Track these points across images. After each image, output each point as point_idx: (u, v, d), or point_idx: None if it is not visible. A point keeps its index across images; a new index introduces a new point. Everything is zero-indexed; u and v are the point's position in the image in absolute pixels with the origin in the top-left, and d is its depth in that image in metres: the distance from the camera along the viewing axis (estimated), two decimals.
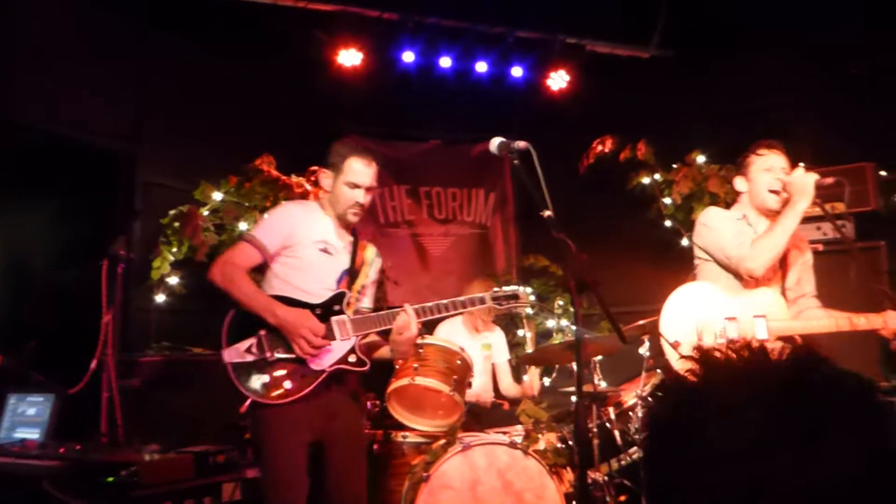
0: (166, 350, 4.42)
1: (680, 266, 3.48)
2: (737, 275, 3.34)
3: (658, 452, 0.87)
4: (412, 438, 4.14)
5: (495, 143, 2.76)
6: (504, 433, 4.03)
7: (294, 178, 5.09)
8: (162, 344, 4.53)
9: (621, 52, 6.20)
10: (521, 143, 2.72)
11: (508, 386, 5.31)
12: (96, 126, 4.70)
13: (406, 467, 3.96)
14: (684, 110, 6.09)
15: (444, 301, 3.12)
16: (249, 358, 2.90)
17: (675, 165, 5.45)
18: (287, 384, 2.92)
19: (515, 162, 2.73)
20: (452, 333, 5.05)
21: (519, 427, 4.17)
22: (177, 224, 4.63)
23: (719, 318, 3.29)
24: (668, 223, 5.47)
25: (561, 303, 6.20)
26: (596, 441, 4.09)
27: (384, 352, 3.23)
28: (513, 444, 3.77)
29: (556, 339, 5.96)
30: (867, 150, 4.90)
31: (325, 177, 3.21)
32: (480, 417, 4.79)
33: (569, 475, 3.97)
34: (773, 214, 3.38)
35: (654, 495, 0.85)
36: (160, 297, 4.68)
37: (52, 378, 3.24)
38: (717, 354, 0.88)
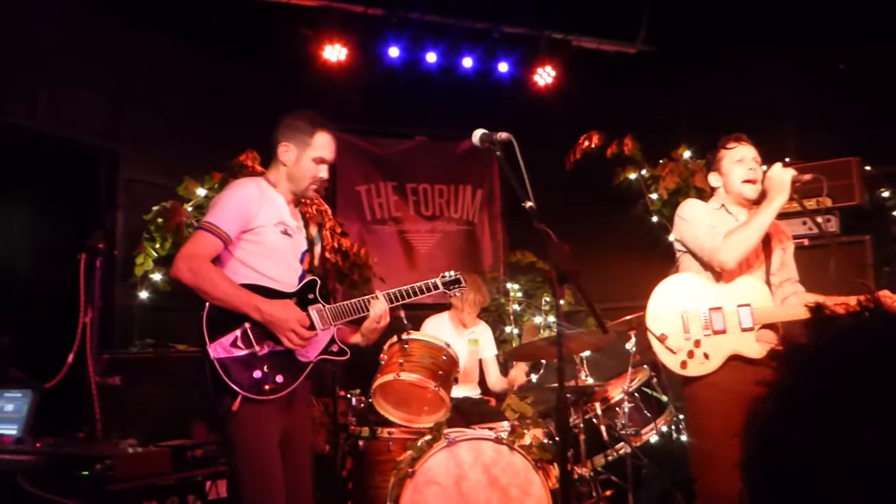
0: (149, 347, 4.39)
1: (667, 261, 3.48)
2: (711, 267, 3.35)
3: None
4: (398, 434, 4.12)
5: (477, 134, 2.76)
6: (490, 429, 4.02)
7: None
8: (145, 341, 4.49)
9: (607, 48, 6.20)
10: (504, 135, 2.72)
11: (496, 381, 5.30)
12: (78, 123, 4.66)
13: (391, 463, 3.94)
14: (670, 106, 6.10)
15: (406, 288, 3.12)
16: (237, 353, 2.75)
17: (661, 161, 5.45)
18: (279, 378, 2.82)
19: (498, 153, 2.72)
20: (439, 329, 5.04)
21: (505, 423, 4.16)
22: (160, 220, 4.60)
23: (704, 308, 3.29)
24: (654, 218, 5.47)
25: (548, 299, 6.19)
26: (582, 437, 4.09)
27: (355, 339, 3.18)
28: (498, 440, 3.76)
29: (543, 334, 5.95)
30: (852, 144, 4.91)
31: (286, 150, 3.02)
32: (466, 413, 4.78)
33: (555, 470, 3.96)
34: (750, 205, 3.39)
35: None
36: (143, 294, 4.64)
37: (33, 374, 3.20)
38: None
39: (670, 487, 4.13)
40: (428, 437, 3.85)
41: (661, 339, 3.30)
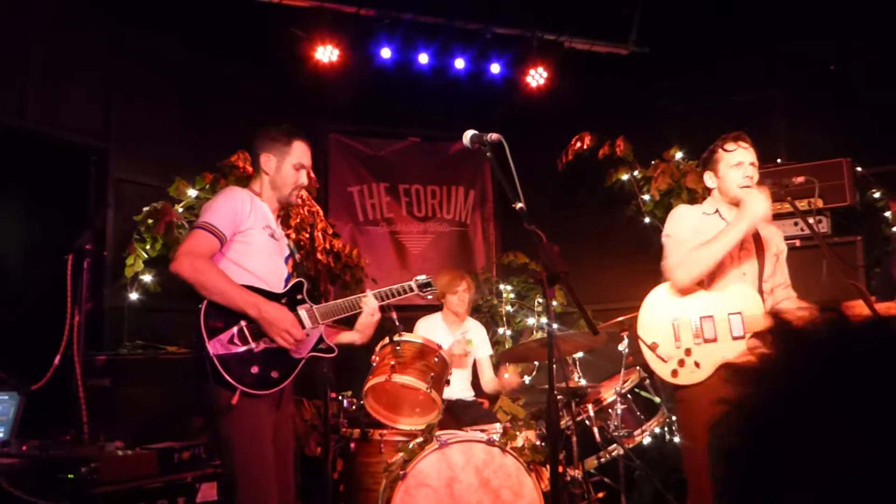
0: (140, 348, 4.36)
1: (658, 263, 3.47)
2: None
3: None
4: (389, 436, 4.10)
5: (468, 135, 2.77)
6: (482, 431, 4.00)
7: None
8: (136, 342, 4.46)
9: (599, 49, 6.20)
10: (494, 136, 2.73)
11: (489, 381, 5.29)
12: (67, 122, 4.63)
13: (383, 465, 3.92)
14: (662, 107, 6.11)
15: (385, 289, 3.34)
16: (234, 350, 2.89)
17: (653, 162, 5.45)
18: (274, 374, 2.97)
19: (488, 154, 2.72)
20: (431, 329, 5.04)
21: (497, 425, 4.15)
22: (150, 221, 4.57)
23: (695, 316, 3.29)
24: (646, 219, 5.47)
25: (540, 300, 6.18)
26: (575, 438, 4.08)
27: (341, 338, 3.37)
28: (490, 442, 3.75)
29: (536, 336, 5.95)
30: (843, 145, 4.92)
31: (267, 160, 3.19)
32: (458, 415, 4.77)
33: (548, 472, 3.95)
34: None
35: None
36: (133, 295, 4.61)
37: (20, 376, 3.17)
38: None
39: (662, 489, 4.13)
40: (419, 440, 3.84)
41: (653, 347, 3.29)
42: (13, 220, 4.51)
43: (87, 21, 4.79)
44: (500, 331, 6.21)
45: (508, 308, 6.24)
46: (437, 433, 3.82)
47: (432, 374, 4.05)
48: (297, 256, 3.41)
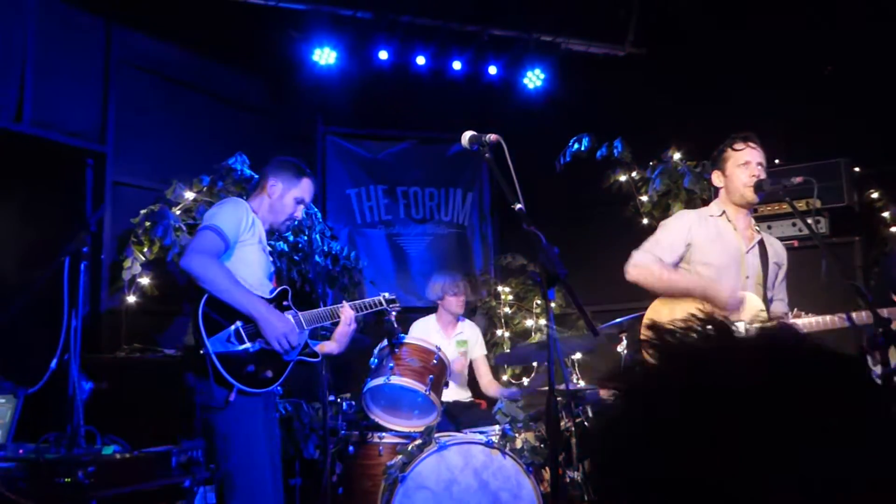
0: (137, 351, 4.35)
1: None
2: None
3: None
4: (388, 438, 4.09)
5: (466, 136, 2.77)
6: (481, 433, 4.00)
7: None
8: (133, 345, 4.45)
9: (596, 50, 6.20)
10: (493, 137, 2.73)
11: (488, 384, 5.28)
12: (64, 125, 4.61)
13: (381, 468, 3.91)
14: (660, 108, 6.10)
15: (359, 302, 3.60)
16: (232, 349, 3.01)
17: (651, 163, 5.45)
18: (268, 373, 3.11)
19: (487, 155, 2.72)
20: (426, 331, 5.03)
21: (496, 427, 4.14)
22: (148, 224, 4.56)
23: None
24: (644, 221, 5.46)
25: (539, 302, 6.18)
26: (574, 440, 4.07)
27: (325, 348, 3.59)
28: (489, 444, 3.74)
29: (535, 338, 5.94)
30: (841, 146, 4.92)
31: (274, 185, 3.36)
32: (457, 417, 4.77)
33: (548, 474, 3.95)
34: (750, 206, 3.41)
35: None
36: (131, 298, 4.60)
37: (16, 379, 3.16)
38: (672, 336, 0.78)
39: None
40: (418, 442, 3.83)
41: None
42: (10, 223, 4.49)
43: (84, 24, 4.77)
44: (499, 332, 6.20)
45: (507, 310, 6.23)
46: (436, 435, 3.81)
47: (431, 375, 4.05)
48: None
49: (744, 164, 3.37)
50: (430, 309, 5.39)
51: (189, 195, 4.75)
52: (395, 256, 6.63)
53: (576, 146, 5.55)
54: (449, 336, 5.15)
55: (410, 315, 5.55)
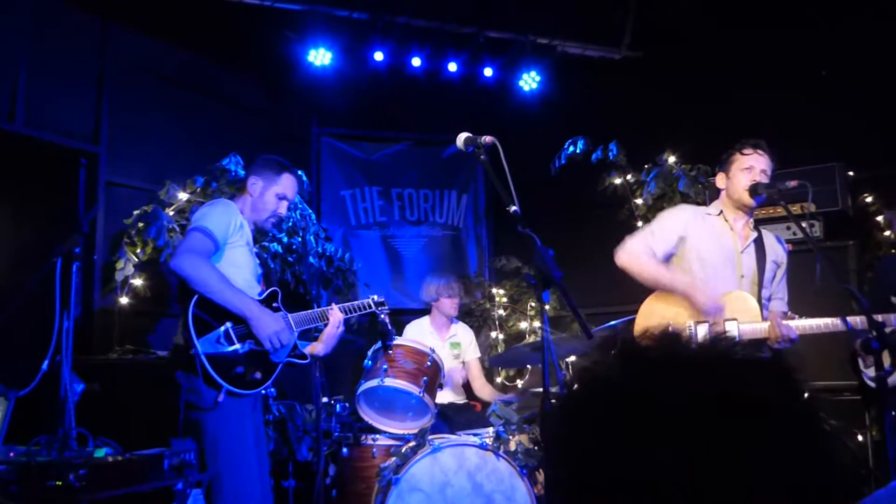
0: (129, 352, 4.32)
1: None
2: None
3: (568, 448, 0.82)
4: (382, 441, 4.08)
5: (461, 138, 2.77)
6: (475, 435, 3.99)
7: None
8: (126, 346, 4.42)
9: (592, 53, 6.21)
10: (488, 138, 2.74)
11: (481, 387, 5.28)
12: (57, 125, 4.59)
13: (375, 470, 3.90)
14: (655, 111, 6.11)
15: (349, 304, 3.61)
16: (222, 350, 3.01)
17: (646, 166, 5.45)
18: (257, 374, 3.12)
19: (482, 157, 2.72)
20: (419, 334, 5.03)
21: (490, 429, 4.13)
22: (141, 225, 4.54)
23: (690, 321, 3.31)
24: (639, 223, 5.46)
25: (533, 304, 6.17)
26: None
27: (313, 349, 3.56)
28: (483, 446, 3.74)
29: (529, 340, 5.93)
30: (836, 150, 4.93)
31: (254, 183, 3.36)
32: (451, 419, 4.76)
33: (542, 476, 3.94)
34: (748, 209, 3.44)
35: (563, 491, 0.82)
36: (124, 299, 4.58)
37: (7, 381, 3.14)
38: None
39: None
40: (412, 444, 3.82)
41: None
42: (2, 223, 4.47)
43: (78, 24, 4.75)
44: (493, 335, 6.20)
45: (501, 312, 6.22)
46: (430, 437, 3.80)
47: (425, 377, 4.04)
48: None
49: (747, 169, 3.42)
50: (424, 311, 5.38)
51: (183, 196, 4.73)
52: (390, 258, 6.62)
53: (571, 149, 5.55)
54: (443, 338, 5.15)
55: (404, 317, 5.54)
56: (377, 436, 4.11)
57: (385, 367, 4.02)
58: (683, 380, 0.77)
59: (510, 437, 3.95)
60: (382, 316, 3.77)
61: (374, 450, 4.04)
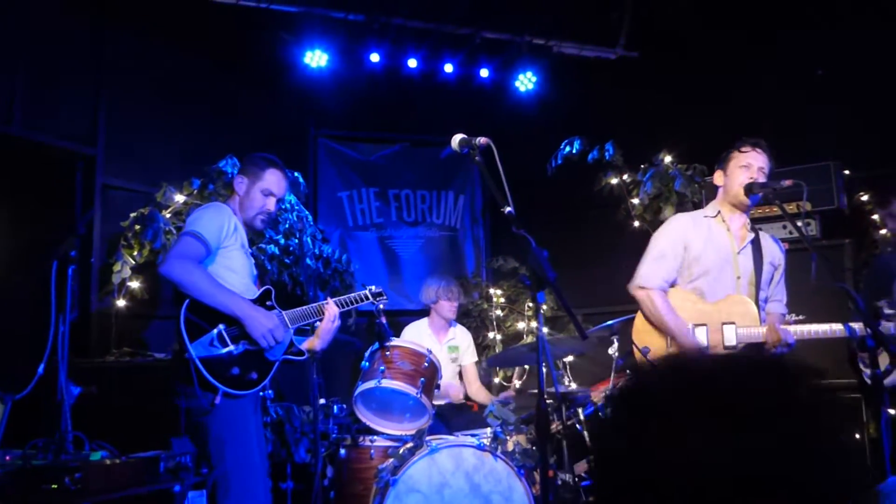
0: (127, 355, 4.32)
1: None
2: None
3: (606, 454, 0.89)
4: (379, 442, 4.08)
5: (456, 139, 2.77)
6: (472, 435, 3.99)
7: None
8: (123, 349, 4.42)
9: (588, 54, 6.21)
10: (482, 140, 2.74)
11: (476, 391, 5.28)
12: (54, 128, 4.59)
13: (373, 471, 3.90)
14: (651, 111, 6.12)
15: (344, 297, 3.59)
16: (215, 352, 3.01)
17: (642, 166, 5.46)
18: (253, 374, 3.11)
19: (477, 158, 2.73)
20: (418, 336, 5.02)
21: (487, 430, 4.13)
22: (138, 227, 4.54)
23: (689, 324, 3.32)
24: (636, 223, 5.47)
25: (530, 304, 6.18)
26: (565, 442, 4.07)
27: (309, 345, 3.53)
28: (480, 447, 3.73)
29: (526, 340, 5.94)
30: (831, 148, 4.94)
31: (241, 182, 3.37)
32: (449, 420, 4.76)
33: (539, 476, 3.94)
34: (744, 207, 3.44)
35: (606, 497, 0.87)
36: (121, 302, 4.58)
37: (7, 385, 3.14)
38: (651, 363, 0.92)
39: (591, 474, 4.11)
40: (410, 445, 3.82)
41: (644, 352, 3.34)
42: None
43: (75, 27, 4.75)
44: (490, 335, 6.20)
45: (498, 312, 6.23)
46: (427, 438, 3.80)
47: (422, 378, 4.04)
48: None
49: (745, 167, 3.42)
50: (421, 312, 5.38)
51: (179, 198, 4.73)
52: (387, 259, 6.62)
53: (567, 149, 5.55)
54: (441, 341, 5.15)
55: (402, 318, 5.55)
56: (375, 437, 4.10)
57: (382, 368, 4.02)
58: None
59: (508, 438, 3.95)
60: (381, 318, 3.76)
61: (372, 451, 4.03)
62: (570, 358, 5.27)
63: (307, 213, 5.52)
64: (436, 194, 6.79)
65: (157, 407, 3.61)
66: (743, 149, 3.46)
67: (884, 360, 3.36)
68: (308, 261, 5.24)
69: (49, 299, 2.99)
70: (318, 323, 3.52)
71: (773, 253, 3.54)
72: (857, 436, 4.27)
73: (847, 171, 4.94)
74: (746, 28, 5.62)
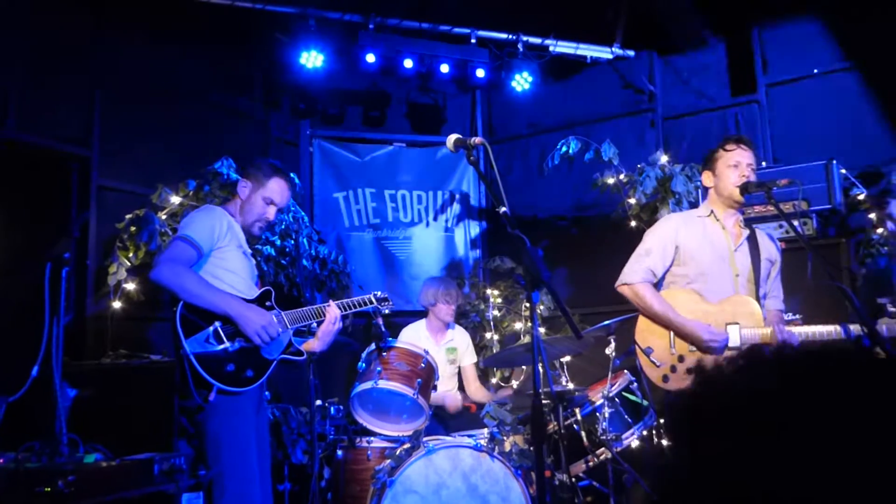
0: (123, 357, 4.31)
1: None
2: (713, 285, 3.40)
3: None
4: (376, 443, 4.08)
5: (451, 140, 2.77)
6: (469, 436, 3.99)
7: None
8: (119, 351, 4.40)
9: (584, 52, 6.21)
10: (477, 140, 2.74)
11: (475, 390, 5.28)
12: (49, 129, 4.57)
13: (370, 472, 3.89)
14: (647, 110, 6.12)
15: (347, 300, 3.59)
16: (211, 349, 3.03)
17: (638, 165, 5.45)
18: (249, 372, 3.12)
19: (472, 158, 2.73)
20: (416, 338, 5.02)
21: (484, 430, 4.13)
22: (133, 229, 4.52)
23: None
24: (632, 223, 5.46)
25: (527, 305, 6.16)
26: (563, 443, 4.06)
27: (309, 346, 3.56)
28: (477, 447, 3.73)
29: (523, 340, 5.93)
30: (828, 147, 4.94)
31: (244, 186, 3.39)
32: (446, 421, 4.76)
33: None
34: (738, 206, 3.45)
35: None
36: (117, 304, 4.56)
37: (1, 387, 3.13)
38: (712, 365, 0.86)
39: (651, 492, 4.10)
40: (407, 446, 3.82)
41: (647, 352, 3.35)
42: None
43: (70, 27, 4.74)
44: (488, 336, 6.19)
45: (495, 312, 6.22)
46: (425, 439, 3.80)
47: (419, 379, 4.04)
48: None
49: (734, 166, 3.42)
50: (418, 313, 5.37)
51: (175, 199, 4.71)
52: (384, 260, 6.61)
53: (563, 149, 5.54)
54: (438, 343, 5.14)
55: (398, 319, 5.54)
56: (372, 438, 4.10)
57: (379, 369, 4.02)
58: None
59: (505, 438, 3.95)
60: (380, 318, 3.76)
61: (369, 452, 4.03)
62: (567, 358, 5.26)
63: (303, 213, 5.51)
64: (432, 195, 6.78)
65: (153, 409, 3.61)
66: (728, 147, 3.47)
67: None
68: (304, 262, 5.23)
69: (43, 301, 2.99)
70: (315, 325, 3.53)
71: (769, 249, 3.55)
72: None
73: (843, 170, 4.94)
74: (742, 26, 5.63)
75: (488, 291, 6.30)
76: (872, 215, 4.94)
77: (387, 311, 3.73)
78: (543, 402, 2.74)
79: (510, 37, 6.14)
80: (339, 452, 4.10)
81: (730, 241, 3.48)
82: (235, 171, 4.85)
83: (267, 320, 3.15)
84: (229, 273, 3.22)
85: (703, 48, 5.89)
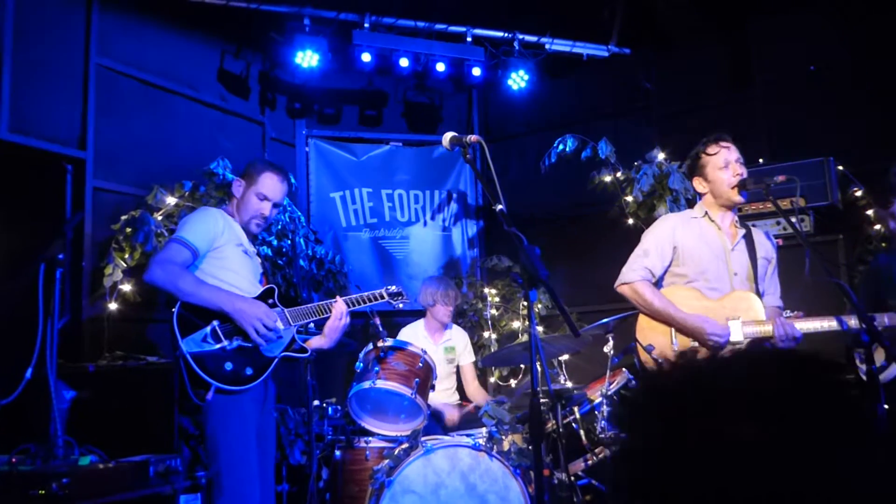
0: (119, 359, 4.29)
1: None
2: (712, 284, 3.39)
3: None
4: (374, 443, 4.06)
5: (447, 138, 2.77)
6: (468, 435, 3.97)
7: None
8: (115, 353, 4.39)
9: (581, 51, 6.20)
10: (473, 138, 2.73)
11: (474, 390, 5.27)
12: (43, 131, 4.55)
13: (368, 472, 3.88)
14: (644, 108, 6.11)
15: (355, 296, 3.54)
16: (208, 348, 3.02)
17: (635, 163, 5.44)
18: (248, 370, 3.11)
19: (468, 156, 2.72)
20: (414, 338, 5.00)
21: (483, 429, 4.12)
22: (129, 230, 4.50)
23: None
24: (630, 221, 5.45)
25: (525, 304, 6.15)
26: (561, 441, 4.05)
27: (316, 343, 3.54)
28: (476, 447, 3.72)
29: (521, 339, 5.92)
30: (825, 144, 4.93)
31: (238, 185, 3.41)
32: (444, 420, 4.74)
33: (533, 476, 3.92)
34: (736, 206, 3.43)
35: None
36: (113, 306, 4.54)
37: None
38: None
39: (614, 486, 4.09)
40: (405, 446, 3.80)
41: (648, 349, 3.35)
42: None
43: (63, 28, 4.71)
44: (486, 335, 6.18)
45: (493, 311, 6.21)
46: (423, 439, 3.79)
47: (417, 379, 4.02)
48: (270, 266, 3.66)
49: (724, 167, 3.39)
50: (416, 311, 5.36)
51: (170, 200, 4.70)
52: (381, 259, 6.59)
53: (560, 147, 5.52)
54: (437, 343, 5.13)
55: (396, 318, 5.53)
56: (370, 438, 4.09)
57: (377, 368, 4.00)
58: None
59: (503, 437, 3.94)
60: (375, 318, 3.75)
61: (367, 452, 4.02)
62: (565, 356, 5.25)
63: (300, 213, 5.49)
64: (429, 194, 6.77)
65: (151, 411, 3.60)
66: (710, 150, 3.44)
67: (879, 356, 3.35)
68: (301, 262, 5.22)
69: (37, 303, 2.97)
70: (312, 325, 3.51)
71: (766, 247, 3.54)
72: None
73: (841, 167, 4.94)
74: (739, 24, 5.62)
75: (486, 290, 6.29)
76: (870, 212, 4.94)
77: (401, 305, 3.71)
78: (542, 400, 2.73)
79: (506, 35, 6.13)
80: (337, 453, 4.08)
81: (726, 241, 3.47)
82: (231, 171, 4.84)
83: (262, 311, 3.14)
84: (230, 272, 3.22)
85: (699, 44, 5.88)
